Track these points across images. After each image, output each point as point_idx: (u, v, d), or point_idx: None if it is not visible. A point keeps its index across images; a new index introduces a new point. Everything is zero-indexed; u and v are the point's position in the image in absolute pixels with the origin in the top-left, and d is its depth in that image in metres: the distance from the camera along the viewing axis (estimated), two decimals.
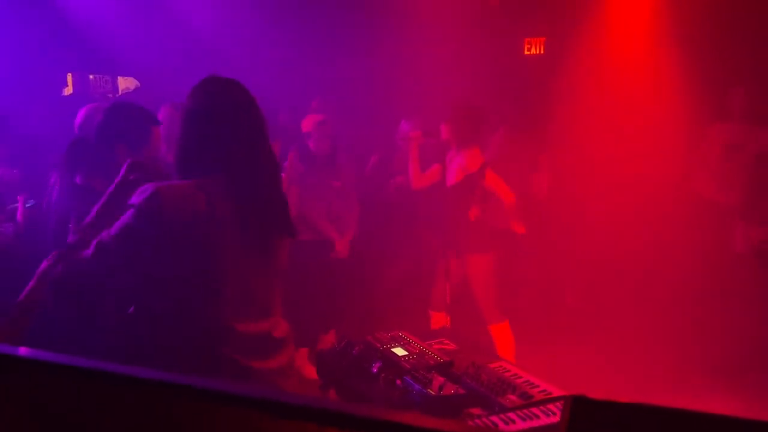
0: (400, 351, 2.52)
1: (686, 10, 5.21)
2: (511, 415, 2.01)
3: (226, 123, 1.74)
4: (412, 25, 5.99)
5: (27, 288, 1.75)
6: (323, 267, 4.49)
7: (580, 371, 4.18)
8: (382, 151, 5.15)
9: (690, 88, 4.92)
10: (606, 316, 4.71)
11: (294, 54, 6.14)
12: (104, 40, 5.99)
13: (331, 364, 2.60)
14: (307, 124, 4.59)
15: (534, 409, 2.05)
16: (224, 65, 5.80)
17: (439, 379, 2.24)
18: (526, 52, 6.59)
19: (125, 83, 8.60)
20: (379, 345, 2.58)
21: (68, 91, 7.61)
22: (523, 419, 1.99)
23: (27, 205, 2.92)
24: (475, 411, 2.10)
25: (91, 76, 7.84)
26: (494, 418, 1.99)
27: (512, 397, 2.13)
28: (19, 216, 2.96)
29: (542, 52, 6.50)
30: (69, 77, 7.71)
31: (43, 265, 1.74)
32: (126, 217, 1.65)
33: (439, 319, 4.16)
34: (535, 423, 1.97)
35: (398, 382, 2.29)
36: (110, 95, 7.85)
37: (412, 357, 2.45)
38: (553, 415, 2.02)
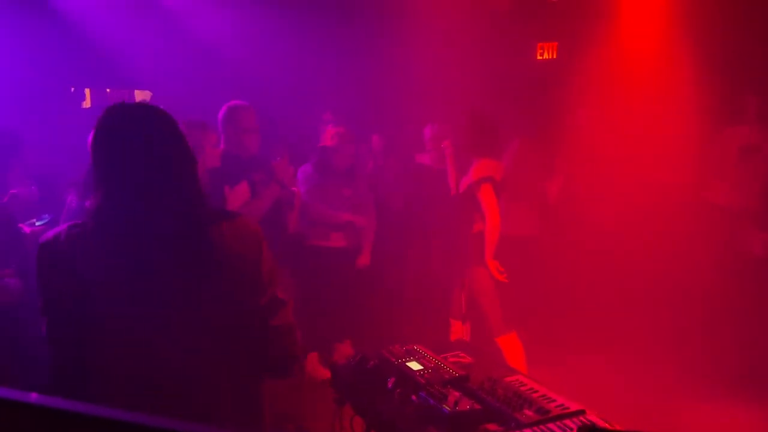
0: (415, 365, 2.51)
1: (699, 13, 5.17)
2: (527, 431, 1.99)
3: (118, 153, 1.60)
4: (423, 31, 6.01)
5: None
6: (341, 275, 4.52)
7: (591, 380, 4.17)
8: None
9: (703, 91, 4.88)
10: (618, 323, 4.68)
11: (305, 62, 6.17)
12: (119, 55, 6.07)
13: (346, 378, 2.60)
14: (329, 137, 4.61)
15: (550, 425, 2.04)
16: (235, 77, 5.87)
17: (454, 394, 2.23)
18: (539, 57, 6.58)
19: (141, 96, 8.69)
20: (394, 359, 2.58)
21: (86, 104, 7.72)
22: None
23: (39, 223, 2.96)
24: (491, 427, 2.09)
25: (107, 90, 7.95)
26: None
27: (529, 413, 2.12)
28: (28, 231, 2.99)
29: (555, 56, 6.48)
30: (87, 92, 7.83)
31: None
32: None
33: (458, 328, 4.16)
34: None
35: (413, 397, 2.29)
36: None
37: (428, 371, 2.45)
38: (570, 430, 2.01)
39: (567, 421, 2.06)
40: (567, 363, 4.37)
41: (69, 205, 3.42)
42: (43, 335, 1.59)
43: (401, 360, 2.56)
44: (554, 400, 2.20)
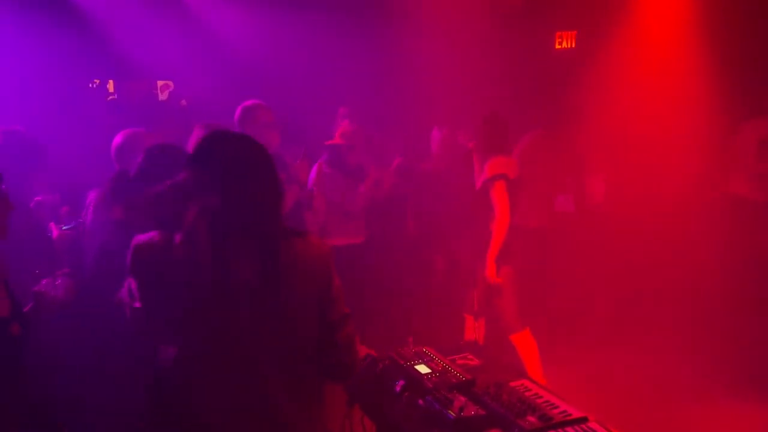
0: (423, 368, 2.57)
1: (719, 3, 5.08)
2: None
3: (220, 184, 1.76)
4: (440, 21, 5.99)
5: None
6: (351, 271, 4.57)
7: (609, 379, 4.19)
8: (404, 153, 5.17)
9: (723, 82, 4.81)
10: (632, 319, 4.69)
11: (321, 59, 6.20)
12: (139, 46, 6.14)
13: (356, 380, 2.67)
14: (345, 134, 4.61)
15: None
16: (252, 69, 5.92)
17: (460, 400, 2.28)
18: (558, 46, 6.52)
19: (163, 86, 8.79)
20: (402, 362, 2.64)
21: (112, 94, 7.82)
22: None
23: (65, 228, 3.05)
24: None
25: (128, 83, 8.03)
26: None
27: (532, 419, 2.17)
28: (54, 236, 3.09)
29: (574, 45, 6.42)
30: (110, 84, 7.94)
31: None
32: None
33: (471, 324, 4.21)
34: None
35: (420, 401, 2.35)
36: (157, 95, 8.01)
37: (435, 375, 2.50)
38: None
39: (569, 429, 2.10)
40: (580, 359, 4.41)
41: (87, 206, 3.51)
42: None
43: (410, 363, 2.62)
44: (557, 407, 2.25)
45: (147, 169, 2.40)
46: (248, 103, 3.73)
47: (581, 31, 6.34)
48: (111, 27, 5.94)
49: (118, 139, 3.11)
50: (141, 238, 1.80)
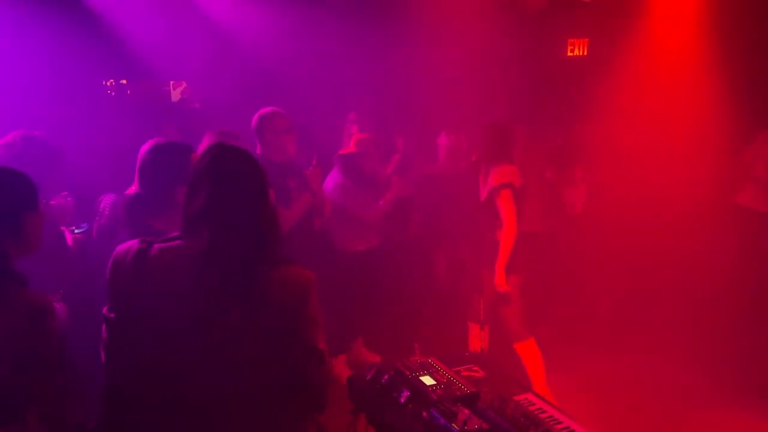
0: (428, 380, 2.58)
1: (731, 11, 5.06)
2: None
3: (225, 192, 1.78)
4: (452, 29, 5.99)
5: None
6: (365, 276, 4.60)
7: (612, 383, 4.19)
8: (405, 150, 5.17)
9: (735, 90, 4.80)
10: (638, 324, 4.69)
11: (334, 63, 6.22)
12: (152, 47, 6.19)
13: (361, 390, 2.69)
14: (362, 143, 4.61)
15: None
16: (266, 76, 5.95)
17: (464, 413, 2.30)
18: (569, 54, 6.52)
19: (177, 86, 8.84)
20: (408, 373, 2.65)
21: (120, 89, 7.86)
22: None
23: (78, 231, 3.09)
24: None
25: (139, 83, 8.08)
26: None
27: None
28: (69, 242, 3.13)
29: (585, 53, 6.41)
30: (123, 83, 8.00)
31: None
32: None
33: (476, 332, 4.22)
34: None
35: (424, 414, 2.36)
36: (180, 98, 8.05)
37: (440, 387, 2.52)
38: None
39: None
40: (582, 364, 4.41)
41: (101, 212, 3.54)
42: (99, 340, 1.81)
43: (415, 374, 2.64)
44: (561, 422, 2.26)
45: (161, 171, 2.43)
46: (266, 110, 3.77)
47: (593, 39, 6.34)
48: (125, 27, 5.98)
49: (146, 147, 3.12)
50: (120, 247, 1.80)
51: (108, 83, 7.55)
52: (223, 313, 1.71)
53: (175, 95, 9.08)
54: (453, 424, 2.24)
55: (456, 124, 5.19)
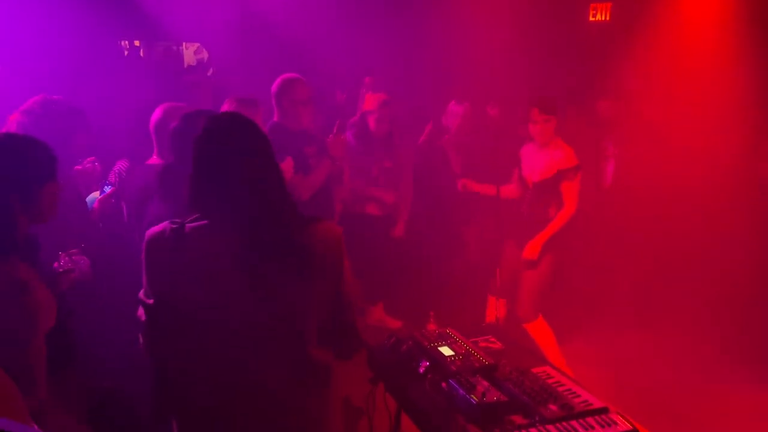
0: (446, 350, 2.61)
1: None
2: (550, 427, 2.08)
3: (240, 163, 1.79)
4: None
5: None
6: (380, 241, 4.62)
7: (631, 358, 4.21)
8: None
9: (762, 60, 4.67)
10: (659, 299, 4.67)
11: (352, 30, 6.13)
12: (166, 8, 6.11)
13: (380, 360, 2.73)
14: (369, 103, 4.62)
15: (573, 422, 2.12)
16: (279, 41, 5.88)
17: (483, 384, 2.33)
18: (592, 18, 6.36)
19: (191, 48, 8.76)
20: (426, 343, 2.68)
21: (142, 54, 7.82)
22: None
23: (107, 191, 3.11)
24: (516, 419, 2.19)
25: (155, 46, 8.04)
26: (533, 431, 2.07)
27: (553, 407, 2.20)
28: (96, 205, 3.15)
29: (608, 18, 6.25)
30: (137, 44, 7.94)
31: None
32: None
33: (492, 303, 4.24)
34: None
35: (443, 384, 2.40)
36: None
37: (458, 358, 2.55)
38: (591, 429, 2.09)
39: (590, 419, 2.14)
40: (605, 338, 4.43)
41: (120, 172, 3.55)
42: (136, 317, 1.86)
43: (433, 344, 2.67)
44: (579, 396, 2.28)
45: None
46: (287, 76, 3.75)
47: (616, 3, 6.16)
48: None
49: (157, 114, 3.11)
50: (152, 231, 1.82)
51: (123, 44, 7.50)
52: (269, 279, 1.76)
53: (188, 56, 9.01)
54: (472, 396, 2.27)
55: (474, 91, 5.13)
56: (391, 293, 4.81)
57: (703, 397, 3.82)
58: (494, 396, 2.26)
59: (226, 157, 1.78)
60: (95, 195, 3.25)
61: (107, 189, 3.24)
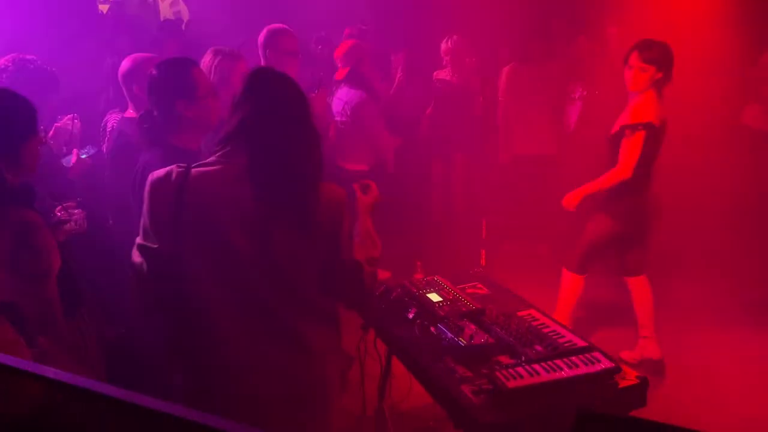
0: (435, 297, 2.67)
1: None
2: (536, 366, 2.16)
3: (277, 117, 1.84)
4: None
5: None
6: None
7: (614, 302, 4.31)
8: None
9: (744, 11, 4.67)
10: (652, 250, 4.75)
11: None
12: None
13: (370, 307, 2.78)
14: (339, 51, 4.57)
15: (558, 361, 2.20)
16: None
17: (470, 328, 2.40)
18: None
19: (169, 1, 8.52)
20: (415, 290, 2.74)
21: (104, 9, 7.59)
22: (547, 371, 2.14)
23: (85, 155, 3.09)
24: (503, 360, 2.26)
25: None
26: (520, 369, 2.14)
27: (538, 348, 2.28)
28: (73, 161, 3.12)
29: None
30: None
31: None
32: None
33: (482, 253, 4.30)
34: (558, 375, 2.12)
35: (432, 329, 2.47)
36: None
37: (446, 303, 2.61)
38: (576, 368, 2.17)
39: (574, 358, 2.22)
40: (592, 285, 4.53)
41: (111, 126, 3.50)
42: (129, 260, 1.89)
43: (422, 291, 2.73)
44: (563, 336, 2.36)
45: (161, 85, 2.42)
46: (274, 27, 3.71)
47: None
48: None
49: (126, 65, 3.06)
50: (156, 175, 1.83)
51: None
52: (274, 232, 1.80)
53: (165, 9, 8.77)
54: (460, 339, 2.34)
55: (455, 29, 5.09)
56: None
57: (685, 340, 3.95)
58: (482, 338, 2.34)
59: (278, 114, 1.83)
60: (80, 153, 3.22)
61: (91, 150, 3.21)
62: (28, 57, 3.06)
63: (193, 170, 1.81)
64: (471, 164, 5.12)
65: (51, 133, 3.00)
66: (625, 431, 1.00)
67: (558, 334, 2.38)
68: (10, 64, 2.98)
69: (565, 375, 2.13)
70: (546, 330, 2.41)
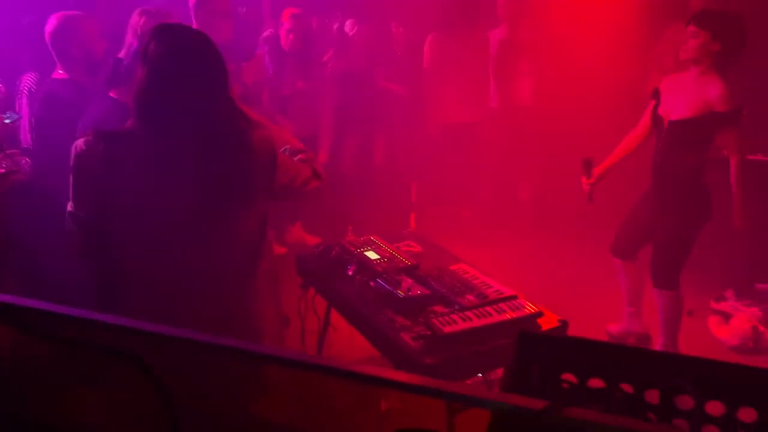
0: (372, 254, 2.82)
1: None
2: (468, 313, 2.36)
3: (190, 72, 1.84)
4: None
5: None
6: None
7: (532, 262, 4.60)
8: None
9: None
10: (560, 212, 5.06)
11: None
12: None
13: (310, 265, 2.91)
14: (282, 16, 4.56)
15: (488, 308, 2.40)
16: None
17: (407, 281, 2.57)
18: None
19: None
20: (353, 249, 2.88)
21: None
22: (478, 317, 2.34)
23: (8, 121, 3.00)
24: (438, 309, 2.45)
25: None
26: (454, 316, 2.33)
27: (470, 297, 2.48)
28: None
29: None
30: None
31: None
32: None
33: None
34: (488, 321, 2.33)
35: (371, 283, 2.62)
36: None
37: (383, 260, 2.77)
38: (504, 313, 2.38)
39: (502, 305, 2.43)
40: (506, 244, 4.81)
41: (28, 87, 3.40)
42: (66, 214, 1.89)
43: (360, 249, 2.87)
44: (491, 287, 2.57)
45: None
46: None
47: None
48: None
49: (52, 23, 2.98)
50: (78, 143, 1.84)
51: None
52: (211, 177, 1.85)
53: None
54: (398, 291, 2.50)
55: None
56: (308, 212, 4.95)
57: (589, 293, 4.25)
58: (418, 290, 2.51)
59: (185, 77, 1.82)
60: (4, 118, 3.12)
61: (14, 116, 3.12)
62: None
63: (116, 135, 1.85)
64: (393, 135, 5.23)
65: None
66: (559, 347, 1.18)
67: (487, 285, 2.59)
68: None
69: (494, 320, 2.35)
70: (476, 282, 2.61)
